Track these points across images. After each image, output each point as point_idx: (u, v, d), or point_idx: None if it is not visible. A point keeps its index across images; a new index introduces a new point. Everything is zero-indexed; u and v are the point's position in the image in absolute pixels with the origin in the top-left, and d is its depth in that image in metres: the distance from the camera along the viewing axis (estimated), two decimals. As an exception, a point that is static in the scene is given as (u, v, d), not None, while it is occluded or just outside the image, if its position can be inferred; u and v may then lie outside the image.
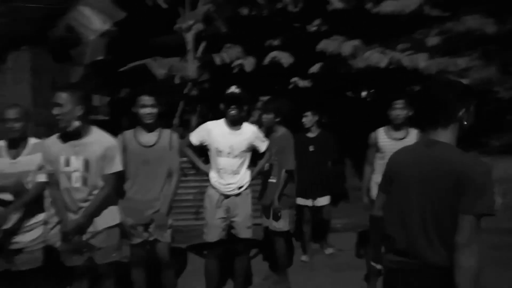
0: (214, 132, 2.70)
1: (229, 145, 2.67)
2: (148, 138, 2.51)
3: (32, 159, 2.37)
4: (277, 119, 3.05)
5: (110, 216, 2.39)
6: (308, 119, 3.53)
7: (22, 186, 2.36)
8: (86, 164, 2.26)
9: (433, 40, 3.98)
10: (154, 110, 2.49)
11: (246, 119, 2.88)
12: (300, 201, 3.47)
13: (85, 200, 2.28)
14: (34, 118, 5.24)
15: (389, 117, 2.92)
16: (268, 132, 3.10)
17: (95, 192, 2.30)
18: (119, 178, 2.43)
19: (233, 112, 2.63)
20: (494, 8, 4.55)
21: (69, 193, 2.26)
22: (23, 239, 2.39)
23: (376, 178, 2.96)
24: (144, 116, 2.48)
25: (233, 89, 2.67)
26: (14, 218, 2.33)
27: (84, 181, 2.26)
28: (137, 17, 4.15)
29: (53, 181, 2.28)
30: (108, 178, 2.33)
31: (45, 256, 2.51)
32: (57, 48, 4.37)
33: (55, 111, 2.17)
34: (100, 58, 4.01)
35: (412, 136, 2.91)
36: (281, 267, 3.17)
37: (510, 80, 4.95)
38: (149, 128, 2.54)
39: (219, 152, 2.69)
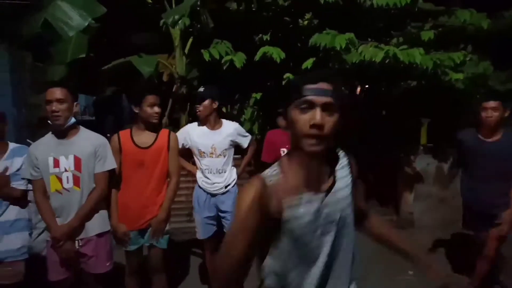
0: (193, 134, 2.71)
1: (211, 145, 2.67)
2: (145, 138, 2.39)
3: (12, 164, 2.25)
4: None
5: (102, 221, 2.27)
6: None
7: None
8: (77, 163, 2.13)
9: (427, 34, 3.88)
10: (160, 109, 2.42)
11: (227, 116, 2.90)
12: None
13: (78, 203, 2.14)
14: (16, 120, 5.02)
15: None
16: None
17: (87, 194, 2.18)
18: (112, 179, 2.31)
19: (197, 111, 2.71)
20: (487, 3, 4.49)
21: (60, 196, 2.12)
22: (4, 247, 2.24)
23: None
24: (152, 115, 2.37)
25: (200, 88, 2.74)
26: None
27: (77, 182, 2.13)
28: (120, 12, 3.96)
29: (38, 186, 2.13)
30: (101, 178, 2.21)
31: (28, 269, 2.36)
32: (36, 46, 4.16)
33: (54, 107, 2.04)
34: (82, 56, 3.81)
35: None
36: None
37: (503, 75, 4.90)
38: (153, 128, 2.43)
39: (202, 153, 2.70)
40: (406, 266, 3.45)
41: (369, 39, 4.00)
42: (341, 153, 1.21)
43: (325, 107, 1.02)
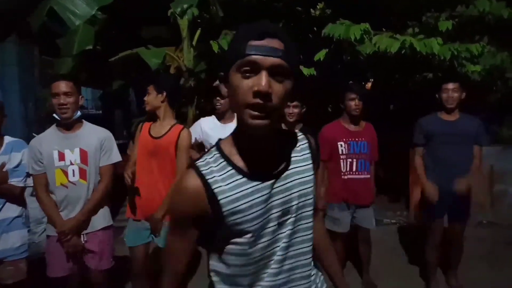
0: (205, 128, 2.67)
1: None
2: (158, 129, 2.37)
3: (10, 159, 2.16)
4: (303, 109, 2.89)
5: (106, 215, 2.24)
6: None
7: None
8: (83, 156, 2.09)
9: (445, 24, 3.72)
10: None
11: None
12: None
13: (85, 197, 2.11)
14: (24, 114, 4.97)
15: None
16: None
17: (93, 187, 2.15)
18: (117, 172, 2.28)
19: (217, 104, 2.66)
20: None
21: (65, 190, 2.08)
22: (3, 246, 2.18)
23: None
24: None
25: (217, 82, 2.68)
26: None
27: (83, 175, 2.09)
28: (127, 3, 3.87)
29: (40, 181, 2.08)
30: (106, 171, 2.18)
31: (32, 266, 2.30)
32: (43, 38, 4.09)
33: (62, 100, 2.02)
34: (89, 47, 3.73)
35: None
36: None
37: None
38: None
39: None
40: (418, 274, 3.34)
41: (384, 29, 3.86)
42: (299, 135, 1.02)
43: (273, 71, 0.80)
